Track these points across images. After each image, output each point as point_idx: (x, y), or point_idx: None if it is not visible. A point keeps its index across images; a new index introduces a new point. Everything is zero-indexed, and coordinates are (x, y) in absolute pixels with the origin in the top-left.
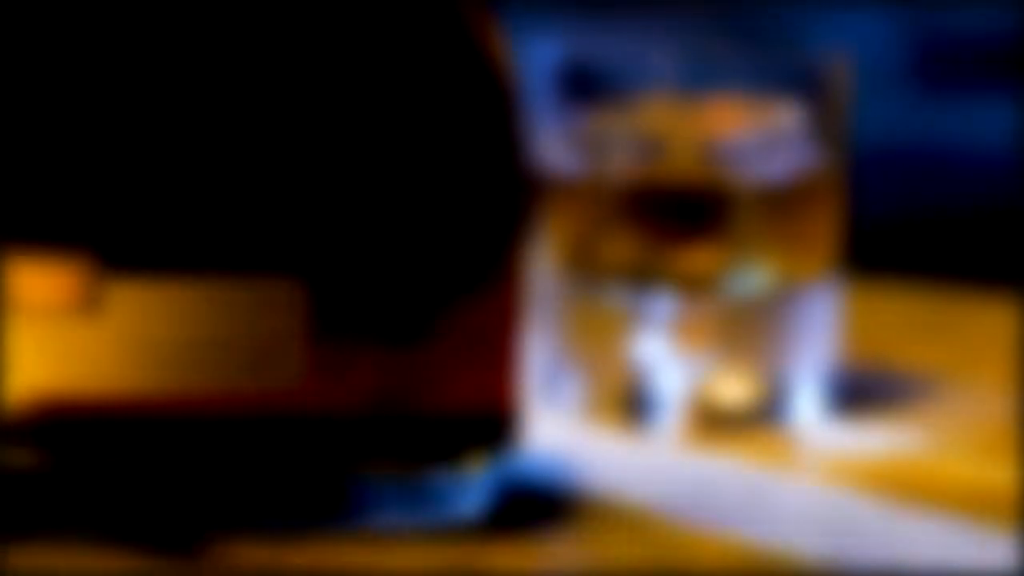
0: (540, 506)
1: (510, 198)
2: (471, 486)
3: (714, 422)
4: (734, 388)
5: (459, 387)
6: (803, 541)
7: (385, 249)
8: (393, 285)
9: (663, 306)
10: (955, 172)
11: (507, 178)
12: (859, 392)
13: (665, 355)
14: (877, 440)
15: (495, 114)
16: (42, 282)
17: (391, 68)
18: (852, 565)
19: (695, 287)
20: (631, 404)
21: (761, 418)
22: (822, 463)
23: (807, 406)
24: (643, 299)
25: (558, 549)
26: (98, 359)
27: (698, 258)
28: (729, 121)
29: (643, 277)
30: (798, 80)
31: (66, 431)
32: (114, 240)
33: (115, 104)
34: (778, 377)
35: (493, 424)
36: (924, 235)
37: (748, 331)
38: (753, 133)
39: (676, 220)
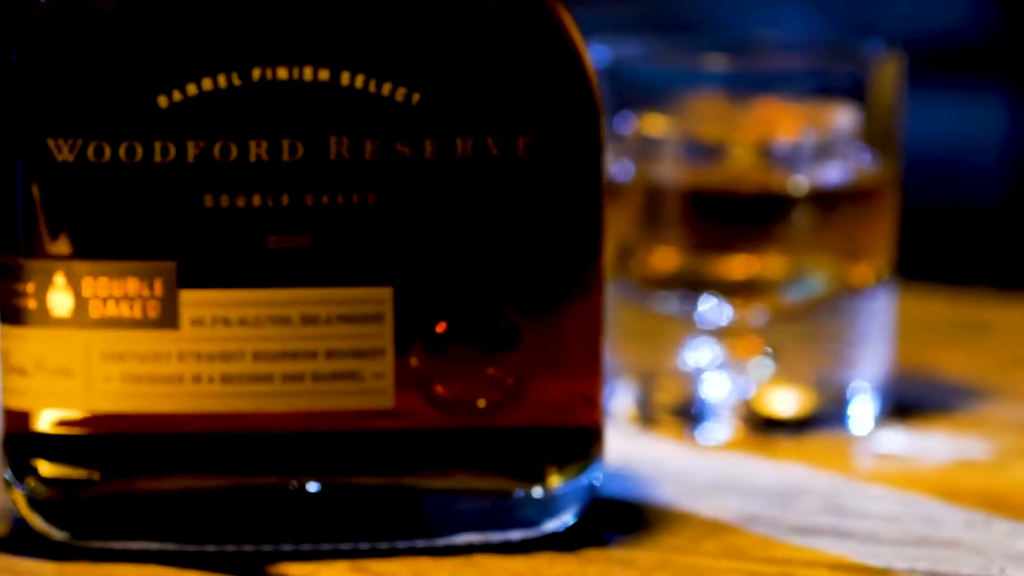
0: (619, 518)
1: (597, 204)
2: (558, 500)
3: (768, 430)
4: (788, 395)
5: (547, 399)
6: (894, 553)
7: (474, 257)
8: (482, 294)
9: (715, 313)
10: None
11: (595, 184)
12: (906, 398)
13: (717, 363)
14: (940, 447)
15: (588, 120)
16: (119, 296)
17: (493, 80)
18: None
19: (748, 293)
20: (684, 412)
21: (816, 425)
22: (892, 471)
23: (863, 413)
24: (694, 306)
25: (648, 562)
26: (174, 374)
27: (753, 263)
28: (786, 124)
29: (695, 283)
30: (851, 83)
31: (138, 446)
32: (194, 252)
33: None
34: (833, 383)
35: (580, 436)
36: None
37: (802, 337)
38: (809, 136)
39: (731, 225)
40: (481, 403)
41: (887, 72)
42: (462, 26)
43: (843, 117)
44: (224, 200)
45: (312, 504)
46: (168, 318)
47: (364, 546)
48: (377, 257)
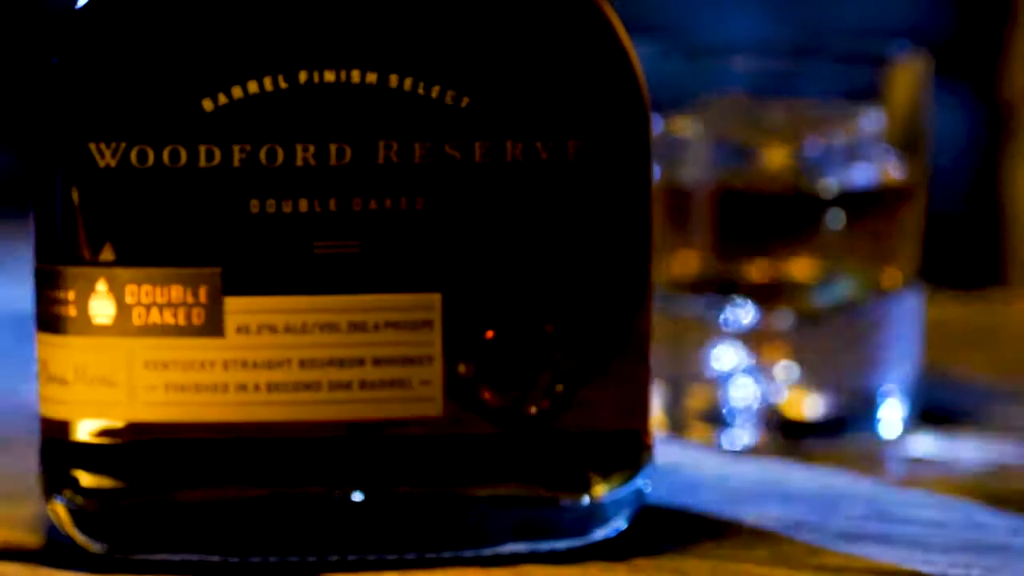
0: (662, 525)
1: (646, 209)
2: (606, 508)
3: (796, 434)
4: (815, 399)
5: (595, 406)
6: (946, 560)
7: (522, 262)
8: (531, 299)
9: (742, 317)
10: None
11: (644, 188)
12: (931, 401)
13: (744, 367)
14: (973, 451)
15: (638, 123)
16: (163, 303)
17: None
18: None
19: (776, 297)
20: (714, 417)
21: (844, 430)
22: (929, 476)
23: (892, 417)
24: (721, 310)
25: (700, 571)
26: (219, 382)
27: (781, 267)
28: (815, 127)
29: (722, 287)
30: (878, 87)
31: (179, 455)
32: (239, 259)
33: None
34: (861, 387)
35: (628, 443)
36: None
37: (830, 341)
38: (839, 138)
39: (759, 228)
40: (532, 410)
41: (912, 73)
42: (511, 28)
43: (869, 119)
44: (270, 205)
45: (357, 514)
46: (213, 326)
47: (410, 556)
48: (425, 263)
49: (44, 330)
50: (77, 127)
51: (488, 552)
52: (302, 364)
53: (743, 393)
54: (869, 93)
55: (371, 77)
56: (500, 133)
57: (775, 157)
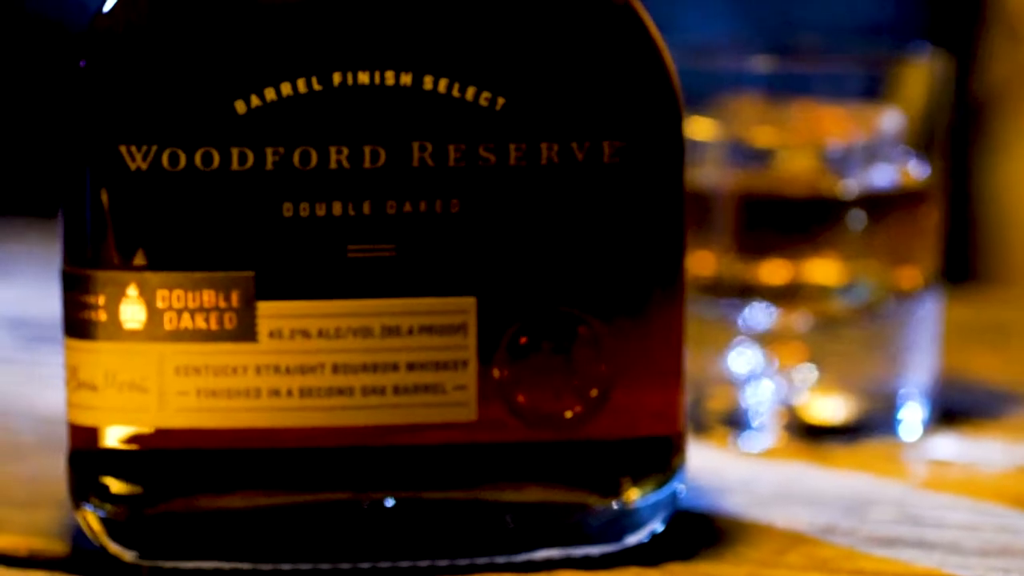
0: (693, 530)
1: (680, 210)
2: (639, 513)
3: (816, 437)
4: (834, 402)
5: (628, 410)
6: (983, 564)
7: (557, 265)
8: (566, 302)
9: (761, 319)
10: None
11: (678, 189)
12: (949, 403)
13: (763, 369)
14: (996, 454)
15: (672, 123)
16: (194, 308)
17: (578, 83)
18: None
19: (796, 299)
20: (735, 420)
21: (864, 432)
22: (955, 479)
23: (912, 419)
24: (741, 312)
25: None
26: (251, 388)
27: (801, 269)
28: (835, 128)
29: (741, 289)
30: (895, 87)
31: (210, 461)
32: (272, 263)
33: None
34: (880, 389)
35: (661, 448)
36: None
37: (849, 343)
38: (859, 139)
39: (779, 230)
40: (568, 414)
41: (930, 74)
42: (545, 28)
43: (888, 120)
44: (303, 208)
45: (390, 520)
46: (245, 330)
47: (443, 563)
48: (460, 266)
49: (73, 335)
50: (108, 130)
51: (521, 558)
52: (335, 369)
53: (762, 396)
54: (887, 94)
55: (405, 79)
56: (535, 135)
57: (795, 158)
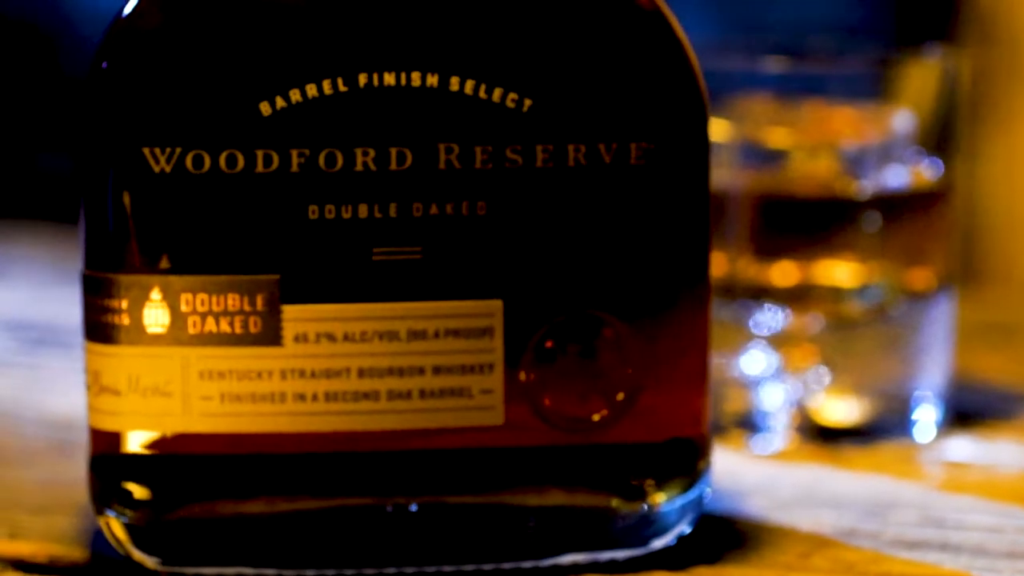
0: (716, 533)
1: (706, 212)
2: (665, 517)
3: (829, 439)
4: (847, 404)
5: (653, 413)
6: (1011, 567)
7: (584, 267)
8: (592, 305)
9: (773, 321)
10: None
11: (704, 191)
12: (960, 404)
13: (775, 371)
14: (1012, 455)
15: (698, 124)
16: (219, 311)
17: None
18: None
19: (809, 300)
20: (750, 422)
21: (877, 434)
22: (973, 481)
23: (926, 421)
24: (754, 313)
25: None
26: (276, 392)
27: (814, 270)
28: (847, 128)
29: (755, 291)
30: (904, 89)
31: (234, 466)
32: (297, 266)
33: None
34: (893, 391)
35: (687, 451)
36: None
37: (863, 345)
38: (874, 140)
39: (793, 231)
40: (595, 417)
41: (941, 74)
42: (572, 29)
43: (900, 120)
44: (329, 211)
45: (414, 525)
46: (271, 334)
47: (468, 568)
48: (487, 269)
49: (94, 339)
50: (131, 132)
51: (547, 563)
52: (361, 373)
53: (774, 398)
54: (895, 94)
55: (432, 79)
56: (562, 136)
57: (809, 159)
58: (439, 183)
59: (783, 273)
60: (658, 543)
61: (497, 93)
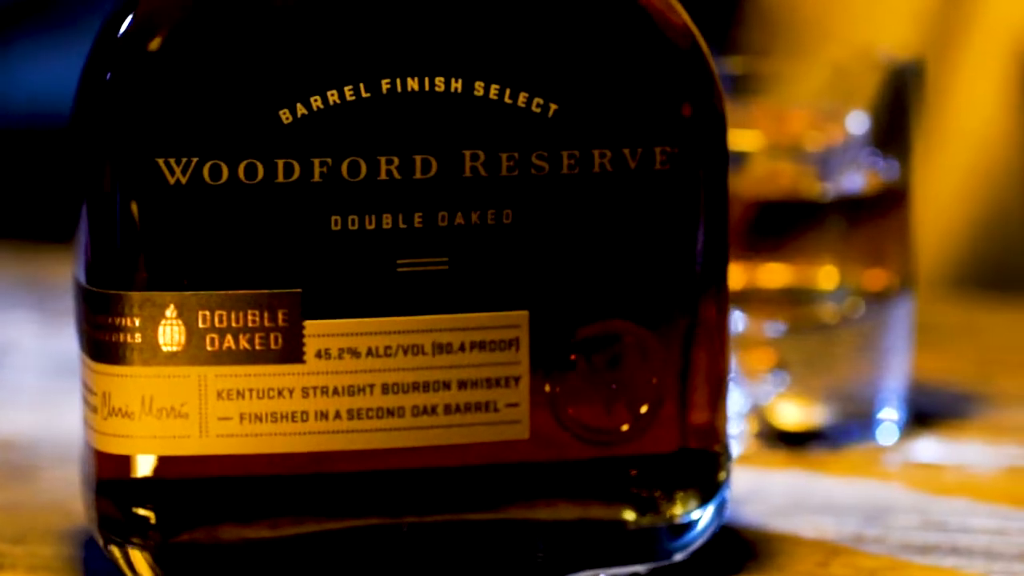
0: (722, 543)
1: (725, 218)
2: (684, 529)
3: (791, 442)
4: (809, 407)
5: (675, 425)
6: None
7: (609, 276)
8: (618, 315)
9: (733, 324)
10: None
11: (723, 196)
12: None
13: (733, 375)
14: (980, 455)
15: (718, 128)
16: (238, 328)
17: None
18: None
19: (772, 303)
20: None
21: (841, 437)
22: (958, 482)
23: (889, 423)
24: None
25: None
26: (298, 411)
27: (772, 273)
28: (810, 130)
29: None
30: (869, 90)
31: (252, 488)
32: (319, 279)
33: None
34: (857, 394)
35: (706, 462)
36: None
37: (824, 347)
38: (836, 141)
39: (753, 233)
40: (623, 428)
41: (901, 78)
42: (595, 34)
43: (855, 122)
44: (352, 222)
45: (434, 542)
46: (292, 351)
47: None
48: (513, 279)
49: (100, 360)
50: (145, 142)
51: None
52: (385, 389)
53: (733, 401)
54: (861, 97)
55: (456, 85)
56: (588, 141)
57: (769, 161)
58: (465, 191)
59: (740, 276)
60: (679, 555)
61: (522, 98)
